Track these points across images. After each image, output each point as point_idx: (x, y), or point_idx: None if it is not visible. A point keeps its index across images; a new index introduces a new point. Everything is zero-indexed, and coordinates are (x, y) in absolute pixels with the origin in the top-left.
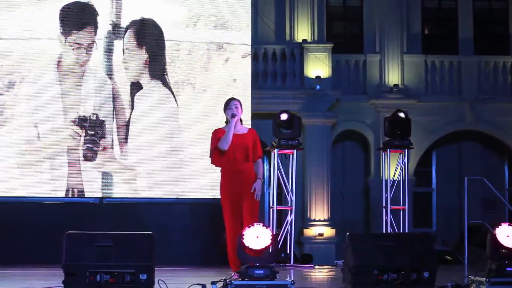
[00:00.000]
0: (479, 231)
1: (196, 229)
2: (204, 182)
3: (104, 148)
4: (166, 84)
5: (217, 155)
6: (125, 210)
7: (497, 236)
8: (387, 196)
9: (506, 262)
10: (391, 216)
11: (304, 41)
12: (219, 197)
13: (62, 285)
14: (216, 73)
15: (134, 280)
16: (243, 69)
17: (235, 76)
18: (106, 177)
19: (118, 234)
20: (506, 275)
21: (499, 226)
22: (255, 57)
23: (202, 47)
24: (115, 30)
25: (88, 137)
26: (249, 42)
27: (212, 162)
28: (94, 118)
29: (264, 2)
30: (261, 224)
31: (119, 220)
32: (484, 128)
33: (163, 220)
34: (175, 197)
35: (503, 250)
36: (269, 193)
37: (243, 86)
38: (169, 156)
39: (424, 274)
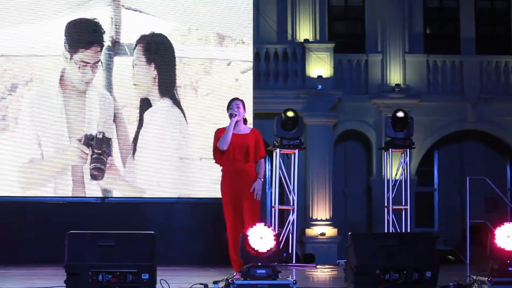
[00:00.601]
0: (481, 231)
1: (198, 228)
2: (205, 181)
3: (110, 166)
4: (176, 103)
5: (218, 154)
6: (127, 210)
7: (496, 237)
8: (389, 195)
9: (509, 261)
10: (393, 216)
11: (306, 40)
12: (221, 196)
13: (64, 285)
14: (218, 75)
15: (136, 280)
16: (245, 70)
17: (237, 76)
18: (109, 194)
19: (120, 233)
20: (508, 275)
21: (501, 226)
22: (257, 56)
23: (205, 43)
24: (115, 47)
25: (95, 156)
26: (251, 59)
27: (216, 162)
28: (101, 137)
29: (266, 1)
30: (263, 223)
31: (121, 220)
32: (486, 128)
33: (165, 220)
34: (177, 196)
35: (502, 252)
36: (271, 192)
37: (245, 85)
38: (171, 156)
39: (426, 274)
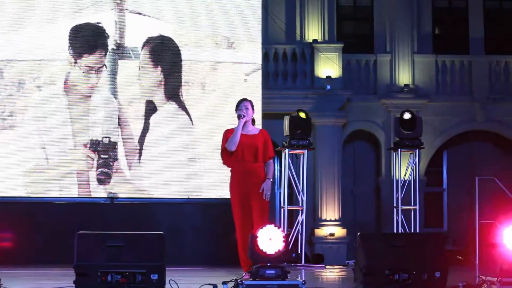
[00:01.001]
0: (491, 231)
1: (207, 229)
2: (214, 182)
3: (116, 170)
4: (181, 105)
5: (226, 155)
6: (136, 210)
7: (505, 237)
8: (398, 196)
9: None
10: (402, 216)
11: (315, 41)
12: (230, 197)
13: (74, 285)
14: (225, 75)
15: (145, 280)
16: (251, 71)
17: (245, 77)
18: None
19: (129, 234)
20: None
21: (510, 226)
22: (265, 57)
23: (211, 45)
24: (119, 50)
25: (101, 161)
26: (259, 59)
27: (224, 163)
28: (107, 142)
29: (274, 2)
30: (273, 224)
31: (130, 220)
32: (495, 128)
33: (174, 220)
34: (186, 197)
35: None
36: (280, 193)
37: (254, 86)
38: (180, 157)
39: (436, 274)
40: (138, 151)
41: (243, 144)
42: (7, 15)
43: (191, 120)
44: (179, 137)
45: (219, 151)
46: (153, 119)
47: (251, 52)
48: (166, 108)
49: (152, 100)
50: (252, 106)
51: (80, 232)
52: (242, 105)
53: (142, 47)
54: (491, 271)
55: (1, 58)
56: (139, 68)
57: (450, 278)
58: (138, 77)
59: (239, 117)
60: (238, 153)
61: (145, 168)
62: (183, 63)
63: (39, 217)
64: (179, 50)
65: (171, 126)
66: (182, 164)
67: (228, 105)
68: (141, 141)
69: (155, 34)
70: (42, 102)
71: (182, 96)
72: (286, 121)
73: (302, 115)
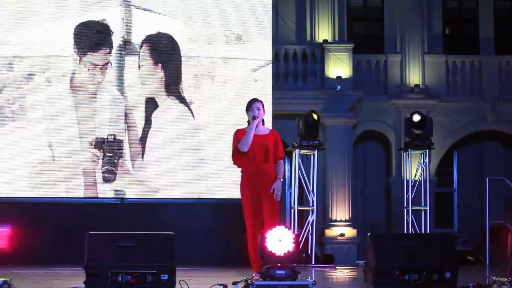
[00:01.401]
0: (501, 232)
1: (217, 229)
2: (225, 182)
3: (122, 167)
4: (182, 101)
5: (238, 155)
6: (146, 211)
7: None
8: (408, 196)
9: None
10: (412, 217)
11: (325, 41)
12: (240, 197)
13: (84, 286)
14: (235, 75)
15: (155, 281)
16: (264, 66)
17: (256, 77)
18: (121, 195)
19: (140, 234)
20: None
21: None
22: (276, 57)
23: (220, 39)
24: (126, 47)
25: (106, 159)
26: (270, 59)
27: (234, 163)
28: (112, 139)
29: (284, 2)
30: (283, 226)
31: (140, 221)
32: (505, 128)
33: (184, 221)
34: (197, 197)
35: None
36: (290, 193)
37: (264, 86)
38: (189, 157)
39: (446, 275)
40: (142, 148)
41: (254, 144)
42: (15, 13)
43: (192, 115)
44: (182, 134)
45: (223, 147)
46: (156, 116)
47: (261, 49)
48: (168, 105)
49: (153, 98)
50: (263, 106)
51: (90, 232)
52: (254, 105)
53: (142, 44)
54: (501, 272)
55: (12, 54)
56: (139, 67)
57: (460, 279)
58: (139, 74)
59: (253, 118)
60: (249, 153)
61: (149, 165)
62: (190, 59)
63: (49, 217)
64: (178, 47)
65: (174, 122)
66: (187, 161)
67: (237, 101)
68: (144, 138)
69: (159, 30)
70: (50, 99)
71: (183, 92)
72: (301, 121)
73: (315, 116)
